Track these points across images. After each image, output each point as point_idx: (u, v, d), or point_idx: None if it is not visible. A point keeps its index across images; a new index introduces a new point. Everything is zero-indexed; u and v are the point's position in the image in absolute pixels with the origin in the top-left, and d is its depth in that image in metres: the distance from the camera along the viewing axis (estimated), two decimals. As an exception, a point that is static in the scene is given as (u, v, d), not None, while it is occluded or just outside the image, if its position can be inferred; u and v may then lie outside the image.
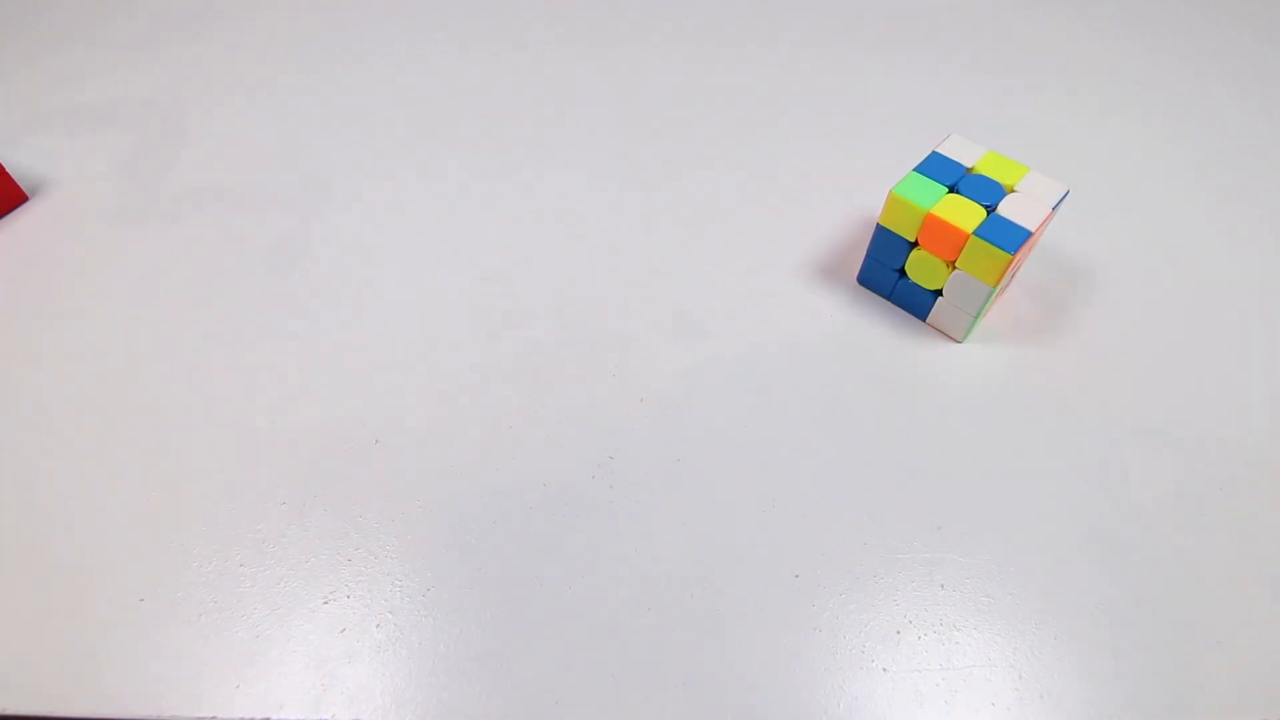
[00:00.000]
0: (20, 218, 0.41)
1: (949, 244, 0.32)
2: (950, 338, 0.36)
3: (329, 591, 0.29)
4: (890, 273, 0.36)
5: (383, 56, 0.50)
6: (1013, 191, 0.33)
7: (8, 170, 0.40)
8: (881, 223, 0.34)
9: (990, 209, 0.32)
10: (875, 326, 0.37)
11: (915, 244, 0.34)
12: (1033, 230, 0.31)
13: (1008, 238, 0.31)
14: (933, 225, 0.32)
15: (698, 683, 0.27)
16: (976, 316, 0.34)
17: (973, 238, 0.31)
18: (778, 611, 0.28)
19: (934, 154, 0.35)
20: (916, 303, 0.36)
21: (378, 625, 0.28)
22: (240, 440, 0.33)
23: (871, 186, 0.43)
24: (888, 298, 0.37)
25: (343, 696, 0.26)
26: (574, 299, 0.38)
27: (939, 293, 0.35)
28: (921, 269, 0.34)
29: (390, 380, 0.34)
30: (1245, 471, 0.32)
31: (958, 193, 0.33)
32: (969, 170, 0.34)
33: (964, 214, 0.32)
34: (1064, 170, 0.44)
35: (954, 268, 0.33)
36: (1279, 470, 0.32)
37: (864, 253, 0.37)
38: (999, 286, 0.33)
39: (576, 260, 0.39)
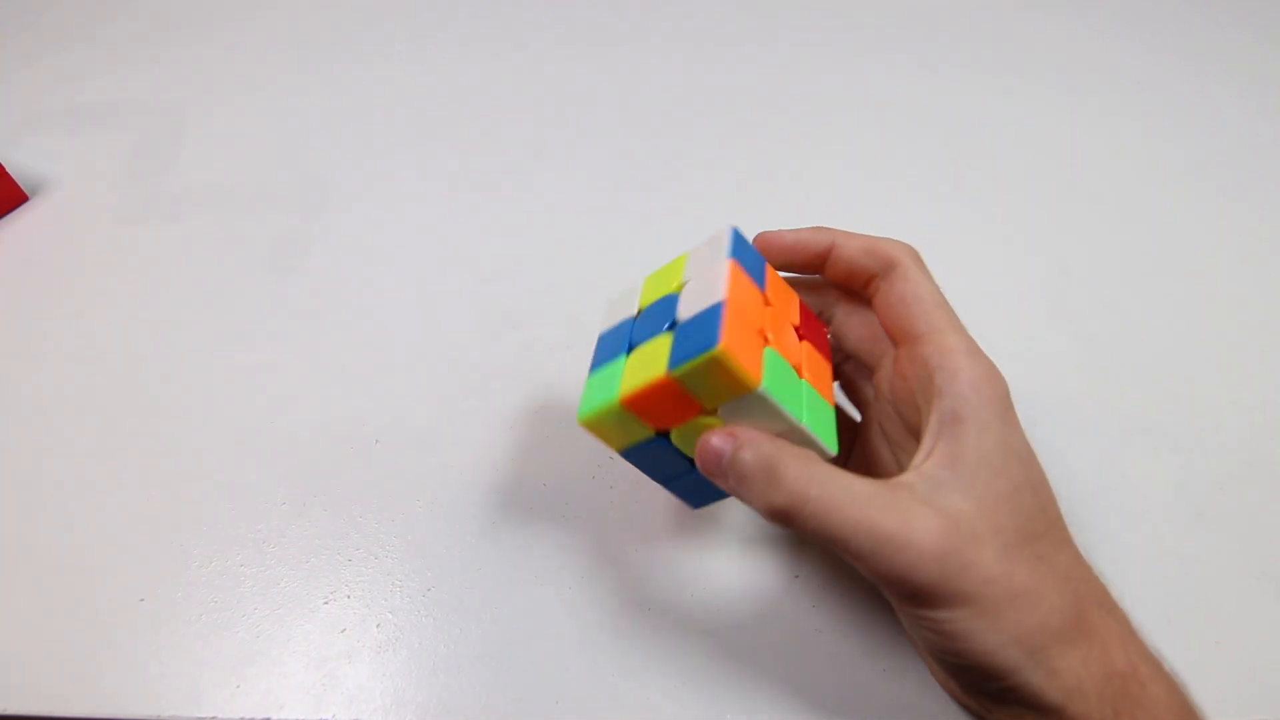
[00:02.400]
0: (20, 218, 0.41)
1: (671, 404, 0.22)
2: (824, 453, 0.23)
3: (329, 591, 0.29)
4: (684, 472, 0.25)
5: (383, 56, 0.50)
6: (683, 287, 0.24)
7: (8, 170, 0.40)
8: (617, 451, 0.25)
9: (672, 325, 0.23)
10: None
11: (659, 433, 0.23)
12: (723, 297, 0.22)
13: (700, 334, 0.21)
14: (638, 402, 0.22)
15: (697, 683, 0.27)
16: (803, 412, 0.23)
17: (669, 376, 0.21)
18: (778, 611, 0.28)
19: (600, 337, 0.26)
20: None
21: (378, 625, 0.28)
22: (240, 440, 0.33)
23: (871, 186, 0.43)
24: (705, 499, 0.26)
25: (343, 696, 0.26)
26: (574, 299, 0.38)
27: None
28: (689, 440, 0.23)
29: (390, 380, 0.34)
30: (1245, 471, 0.32)
31: (634, 348, 0.24)
32: (636, 314, 0.25)
33: (649, 362, 0.22)
34: (1064, 170, 0.44)
35: (707, 412, 0.23)
36: (1278, 470, 0.32)
37: None
38: (773, 380, 0.22)
39: (576, 260, 0.39)
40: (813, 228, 0.26)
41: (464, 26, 0.53)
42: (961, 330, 0.24)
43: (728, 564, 0.30)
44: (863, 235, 0.25)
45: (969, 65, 0.51)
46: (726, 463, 0.21)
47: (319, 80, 0.49)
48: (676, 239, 0.40)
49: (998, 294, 0.39)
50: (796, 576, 0.29)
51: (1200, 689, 0.27)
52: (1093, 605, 0.21)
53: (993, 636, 0.20)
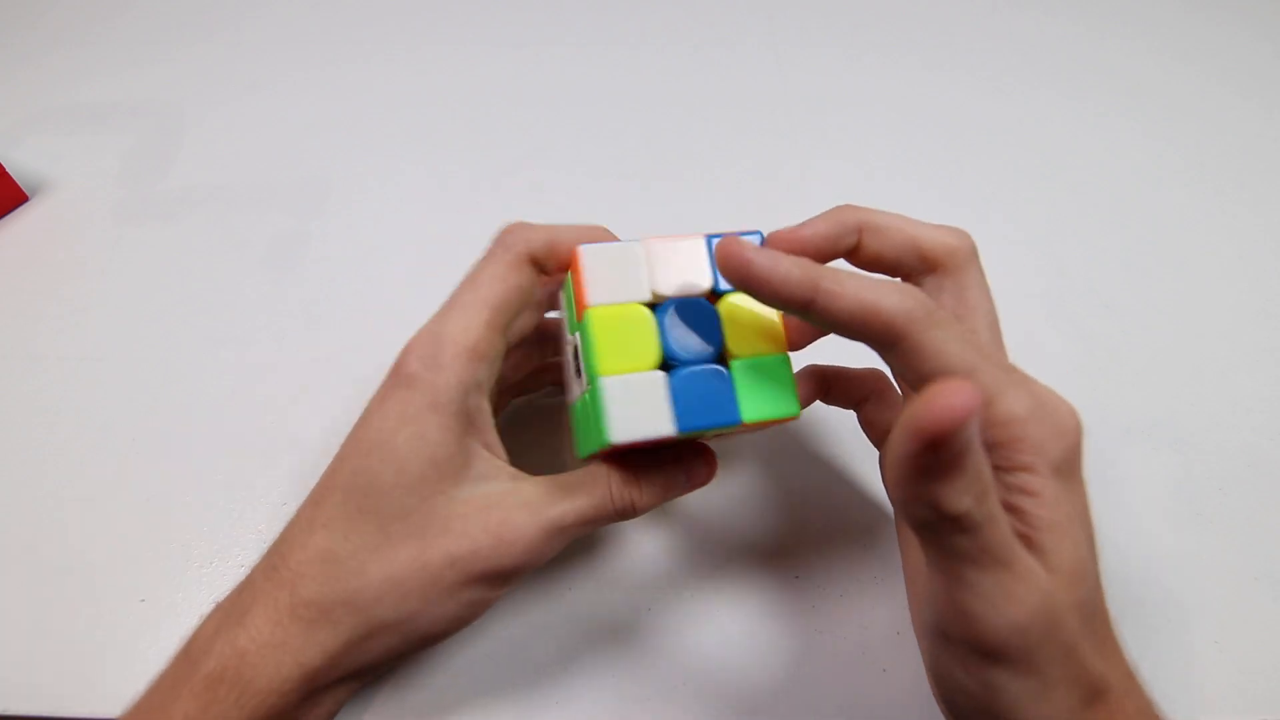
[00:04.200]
0: (20, 218, 0.41)
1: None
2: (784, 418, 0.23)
3: (329, 591, 0.29)
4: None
5: (383, 56, 0.50)
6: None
7: (8, 170, 0.40)
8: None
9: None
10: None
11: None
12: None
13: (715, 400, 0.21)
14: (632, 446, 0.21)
15: (697, 682, 0.27)
16: (746, 408, 0.22)
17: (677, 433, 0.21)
18: (778, 612, 0.28)
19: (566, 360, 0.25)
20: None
21: (378, 625, 0.28)
22: (240, 440, 0.33)
23: (871, 186, 0.43)
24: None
25: (343, 696, 0.26)
26: (574, 299, 0.38)
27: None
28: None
29: (390, 380, 0.34)
30: (1244, 471, 0.32)
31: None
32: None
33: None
34: (1063, 170, 0.44)
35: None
36: (1278, 470, 0.32)
37: None
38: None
39: (576, 260, 0.39)
40: (835, 217, 0.23)
41: (464, 26, 0.53)
42: (1017, 379, 0.20)
43: (728, 565, 0.30)
44: (899, 224, 0.23)
45: (969, 65, 0.51)
46: (968, 436, 0.16)
47: (319, 80, 0.49)
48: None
49: (998, 294, 0.38)
50: (796, 576, 0.29)
51: (1200, 689, 0.27)
52: (1118, 681, 0.20)
53: (1035, 712, 0.19)
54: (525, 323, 0.25)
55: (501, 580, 0.22)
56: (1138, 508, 0.31)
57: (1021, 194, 0.43)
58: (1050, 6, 0.55)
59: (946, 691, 0.21)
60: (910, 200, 0.43)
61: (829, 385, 0.27)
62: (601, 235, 0.25)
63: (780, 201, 0.42)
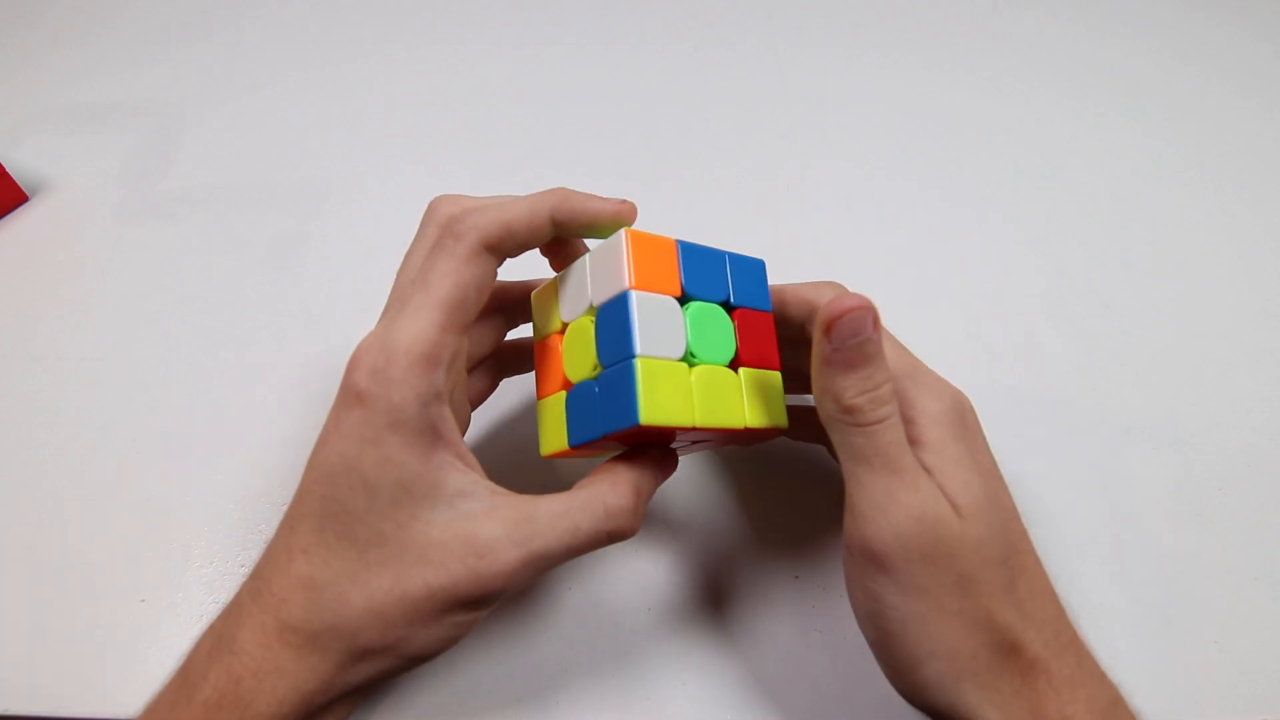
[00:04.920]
0: (20, 218, 0.41)
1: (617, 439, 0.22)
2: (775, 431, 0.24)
3: (329, 591, 0.29)
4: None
5: (383, 56, 0.50)
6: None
7: (8, 170, 0.40)
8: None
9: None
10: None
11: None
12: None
13: (620, 401, 0.21)
14: (582, 449, 0.23)
15: (697, 682, 0.27)
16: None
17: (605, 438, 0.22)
18: (778, 612, 0.28)
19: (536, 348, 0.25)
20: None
21: (378, 625, 0.28)
22: (240, 440, 0.33)
23: (871, 186, 0.43)
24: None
25: (343, 696, 0.26)
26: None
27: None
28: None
29: (390, 380, 0.34)
30: (1244, 471, 0.32)
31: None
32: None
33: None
34: (1063, 171, 0.44)
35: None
36: (1277, 470, 0.32)
37: None
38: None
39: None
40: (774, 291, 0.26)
41: (464, 26, 0.53)
42: (897, 356, 0.24)
43: (728, 565, 0.30)
44: (790, 288, 0.26)
45: (969, 65, 0.51)
46: (859, 340, 0.20)
47: (319, 80, 0.49)
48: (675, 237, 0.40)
49: (997, 294, 0.39)
50: (796, 576, 0.29)
51: (1200, 689, 0.27)
52: (1042, 645, 0.20)
53: (927, 643, 0.20)
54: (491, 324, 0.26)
55: (484, 605, 0.21)
56: (1138, 508, 0.31)
57: (1021, 194, 0.43)
58: (1050, 6, 0.55)
59: (857, 615, 0.22)
60: (910, 200, 0.43)
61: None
62: (560, 199, 0.23)
63: (780, 201, 0.42)
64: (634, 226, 0.24)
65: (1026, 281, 0.39)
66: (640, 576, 0.29)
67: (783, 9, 0.54)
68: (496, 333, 0.28)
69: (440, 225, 0.23)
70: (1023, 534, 0.22)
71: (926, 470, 0.21)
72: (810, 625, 0.28)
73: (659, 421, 0.20)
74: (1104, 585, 0.29)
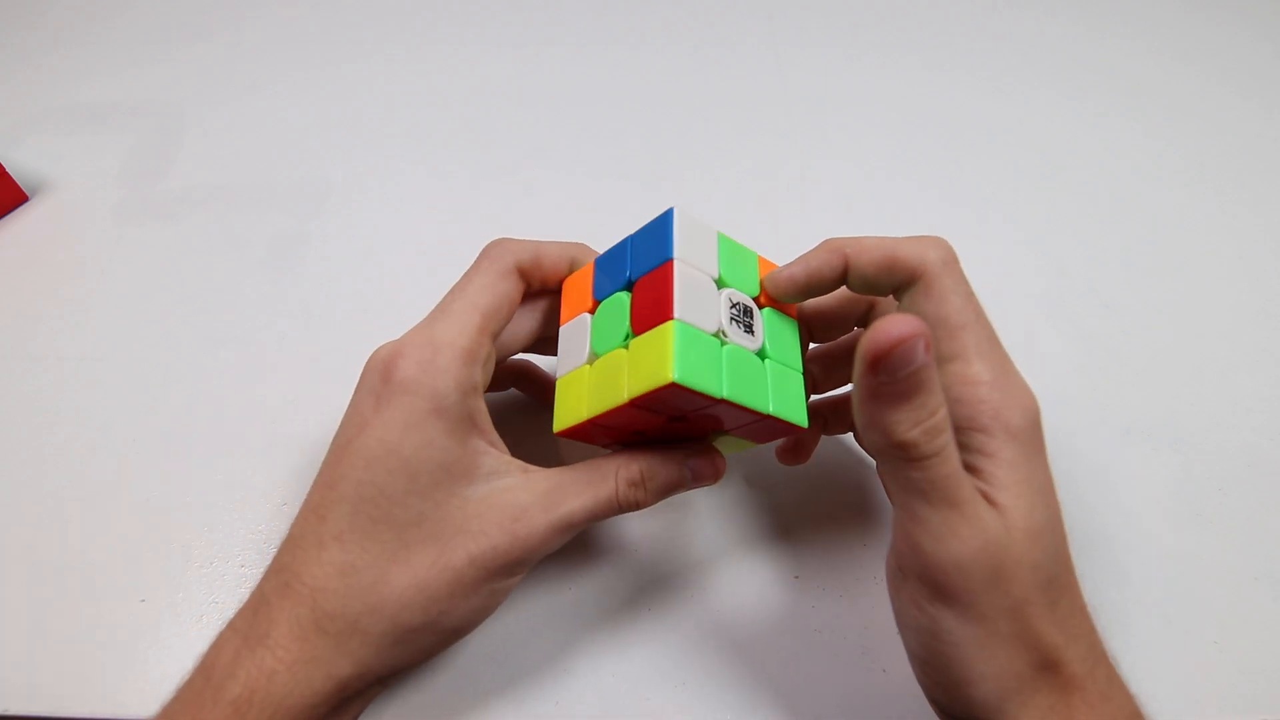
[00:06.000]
0: (20, 218, 0.41)
1: (638, 418, 0.23)
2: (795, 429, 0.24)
3: (329, 591, 0.29)
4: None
5: (383, 56, 0.50)
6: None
7: (8, 170, 0.40)
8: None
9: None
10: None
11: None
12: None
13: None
14: (607, 418, 0.23)
15: (698, 682, 0.27)
16: (769, 400, 0.22)
17: (629, 401, 0.21)
18: (778, 612, 0.28)
19: (561, 332, 0.26)
20: None
21: (378, 625, 0.28)
22: (240, 440, 0.33)
23: (871, 186, 0.43)
24: None
25: (343, 696, 0.26)
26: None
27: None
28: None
29: (390, 380, 0.34)
30: (1244, 471, 0.32)
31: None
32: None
33: (611, 379, 0.22)
34: (1063, 170, 0.44)
35: (674, 418, 0.23)
36: (1277, 470, 0.32)
37: None
38: (734, 382, 0.22)
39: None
40: (822, 249, 0.24)
41: (464, 26, 0.53)
42: (990, 355, 0.22)
43: (728, 565, 0.30)
44: (877, 242, 0.23)
45: (969, 65, 0.51)
46: (908, 371, 0.18)
47: (319, 80, 0.49)
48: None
49: (998, 294, 0.38)
50: (796, 577, 0.29)
51: (1200, 689, 0.27)
52: (1079, 661, 0.20)
53: (980, 666, 0.20)
54: (524, 328, 0.27)
55: (519, 569, 0.23)
56: (1138, 508, 0.31)
57: (1021, 194, 0.43)
58: (1050, 6, 0.55)
59: (905, 632, 0.22)
60: (910, 200, 0.43)
61: (825, 418, 0.29)
62: (582, 252, 0.27)
63: (780, 201, 0.42)
64: (636, 228, 0.25)
65: (1026, 281, 0.39)
66: (640, 576, 0.29)
67: (783, 9, 0.54)
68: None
69: (481, 253, 0.25)
70: (1068, 551, 0.22)
71: (994, 488, 0.20)
72: (810, 625, 0.28)
73: (562, 426, 0.23)
74: (1104, 585, 0.29)
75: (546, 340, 0.28)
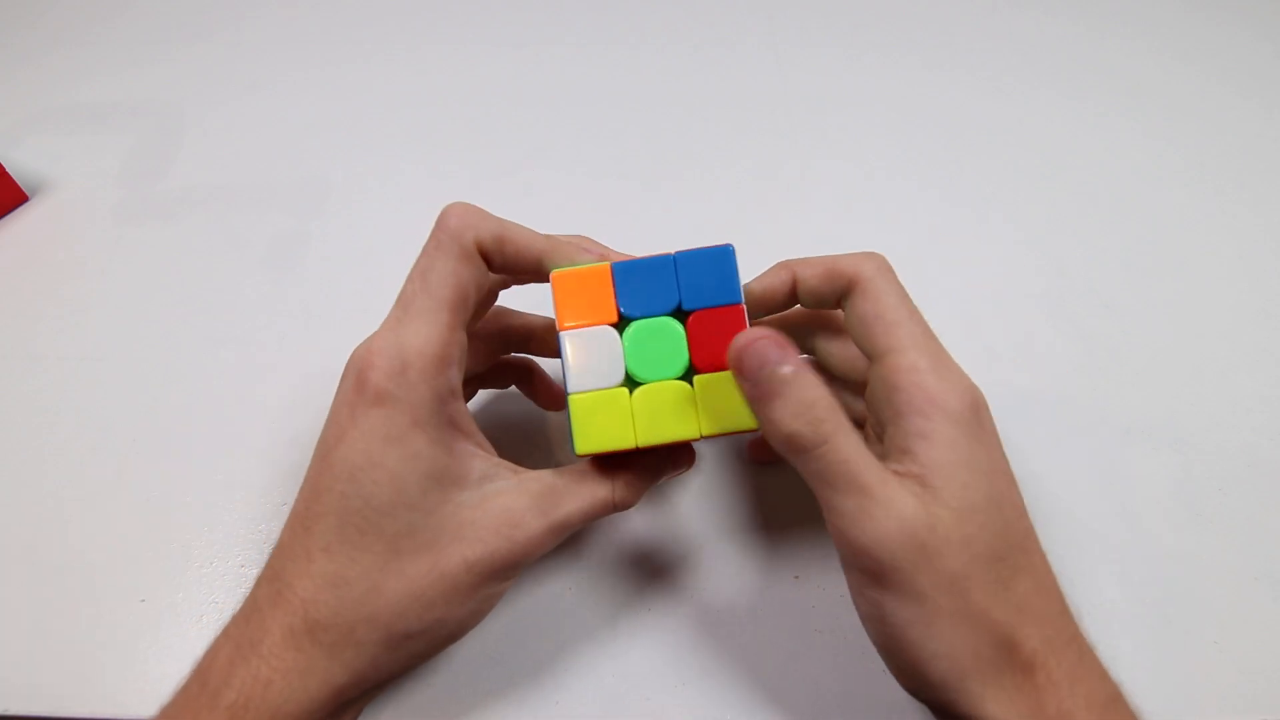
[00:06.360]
0: (20, 218, 0.41)
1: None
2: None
3: (329, 591, 0.29)
4: None
5: (383, 56, 0.50)
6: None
7: (8, 170, 0.40)
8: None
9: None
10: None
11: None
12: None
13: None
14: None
15: (698, 682, 0.27)
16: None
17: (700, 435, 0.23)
18: (778, 612, 0.29)
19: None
20: None
21: (378, 625, 0.28)
22: (240, 440, 0.33)
23: (871, 186, 0.43)
24: None
25: (343, 696, 0.26)
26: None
27: None
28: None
29: (390, 380, 0.34)
30: (1244, 471, 0.32)
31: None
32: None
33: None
34: (1063, 171, 0.44)
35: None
36: (1277, 470, 0.32)
37: None
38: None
39: (576, 260, 0.39)
40: (775, 267, 0.26)
41: (464, 26, 0.53)
42: (925, 346, 0.23)
43: (728, 565, 0.30)
44: (820, 259, 0.25)
45: (969, 65, 0.51)
46: (768, 370, 0.21)
47: (319, 80, 0.49)
48: (677, 238, 0.40)
49: (997, 294, 0.39)
50: (796, 577, 0.29)
51: (1200, 689, 0.27)
52: (1041, 641, 0.20)
53: (930, 645, 0.20)
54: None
55: (515, 572, 0.23)
56: (1138, 508, 0.31)
57: (1021, 194, 0.43)
58: (1050, 6, 0.55)
59: (863, 624, 0.23)
60: (910, 200, 0.43)
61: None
62: (577, 251, 0.25)
63: (780, 201, 0.42)
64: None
65: (1026, 281, 0.39)
66: (640, 576, 0.29)
67: (783, 9, 0.54)
68: (491, 355, 0.29)
69: (440, 222, 0.24)
70: (1027, 533, 0.22)
71: (927, 469, 0.21)
72: (810, 625, 0.28)
73: (597, 450, 0.22)
74: (1104, 585, 0.29)
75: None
